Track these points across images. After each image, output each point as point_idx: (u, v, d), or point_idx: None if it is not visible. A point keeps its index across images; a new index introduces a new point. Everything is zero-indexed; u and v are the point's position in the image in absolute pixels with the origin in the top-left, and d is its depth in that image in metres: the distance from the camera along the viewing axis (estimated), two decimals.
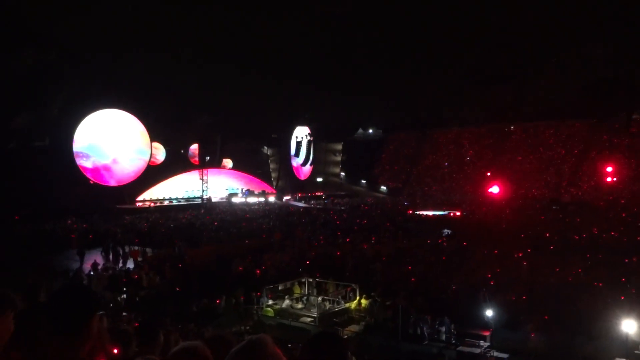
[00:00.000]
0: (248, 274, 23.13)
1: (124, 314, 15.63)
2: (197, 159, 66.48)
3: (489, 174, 67.84)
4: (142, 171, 60.92)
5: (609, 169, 60.63)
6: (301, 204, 62.55)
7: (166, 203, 58.25)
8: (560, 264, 22.32)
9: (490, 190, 63.21)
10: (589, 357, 13.94)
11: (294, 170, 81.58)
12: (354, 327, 17.65)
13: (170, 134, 65.02)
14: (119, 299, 20.30)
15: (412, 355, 15.40)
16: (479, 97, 75.53)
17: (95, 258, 26.14)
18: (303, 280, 21.06)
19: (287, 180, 78.38)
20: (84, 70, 55.83)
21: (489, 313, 16.00)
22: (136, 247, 29.20)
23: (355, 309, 19.05)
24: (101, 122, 57.05)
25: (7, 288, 2.50)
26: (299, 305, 19.62)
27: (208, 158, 65.57)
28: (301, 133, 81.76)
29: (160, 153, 65.09)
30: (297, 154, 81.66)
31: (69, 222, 39.34)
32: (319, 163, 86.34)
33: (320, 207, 58.52)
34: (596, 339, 14.33)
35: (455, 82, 77.76)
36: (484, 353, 14.64)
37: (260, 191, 68.69)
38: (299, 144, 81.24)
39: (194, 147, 68.35)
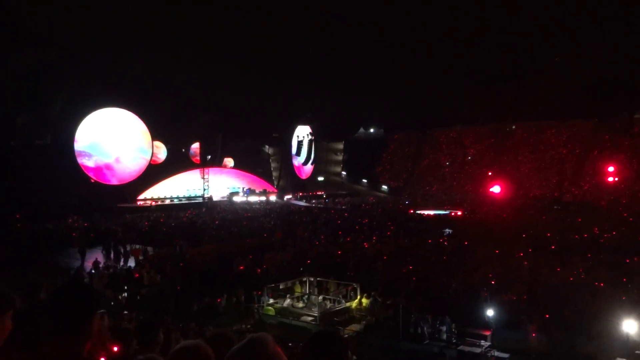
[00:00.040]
0: (249, 273, 23.12)
1: (125, 312, 15.64)
2: (198, 157, 66.53)
3: (490, 173, 67.78)
4: (143, 170, 61.00)
5: (611, 168, 60.50)
6: (302, 203, 62.56)
7: (167, 202, 58.31)
8: (561, 263, 22.28)
9: (491, 190, 63.15)
10: (590, 357, 13.93)
11: (295, 170, 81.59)
12: (354, 327, 17.64)
13: (172, 133, 65.10)
14: (120, 297, 20.32)
15: (412, 354, 15.39)
16: (480, 97, 75.45)
17: (96, 256, 26.17)
18: (304, 279, 21.06)
19: (289, 179, 78.42)
20: (85, 69, 55.89)
21: (490, 312, 15.98)
22: (137, 246, 29.23)
23: (356, 308, 19.04)
24: (103, 121, 57.14)
25: (6, 287, 2.50)
26: (300, 304, 19.62)
27: (209, 157, 65.60)
28: (302, 132, 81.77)
29: (161, 152, 65.17)
30: (298, 153, 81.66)
31: (70, 220, 39.40)
32: (320, 162, 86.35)
33: (322, 206, 58.54)
34: (597, 339, 14.32)
35: (456, 82, 77.72)
36: (484, 353, 14.63)
37: (261, 190, 68.73)
38: (300, 143, 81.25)
39: (195, 146, 68.40)
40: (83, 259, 26.13)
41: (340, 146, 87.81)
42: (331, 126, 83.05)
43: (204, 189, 60.56)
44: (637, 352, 13.34)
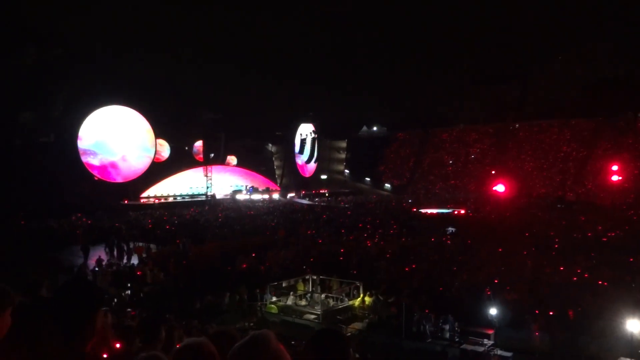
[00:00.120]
0: (252, 271, 23.14)
1: (128, 310, 15.67)
2: (201, 155, 66.62)
3: (493, 172, 67.64)
4: (147, 168, 61.15)
5: (615, 167, 60.32)
6: (305, 202, 62.57)
7: (170, 200, 58.40)
8: (564, 262, 22.23)
9: (495, 188, 63.03)
10: (594, 357, 13.90)
11: (298, 168, 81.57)
12: (357, 325, 17.65)
13: (175, 131, 65.19)
14: (123, 295, 20.36)
15: (415, 353, 15.39)
16: (483, 96, 75.32)
17: (99, 254, 26.23)
18: (307, 277, 21.08)
19: (292, 177, 78.40)
20: (88, 67, 56.01)
21: (493, 311, 15.98)
22: (140, 244, 29.27)
23: (359, 307, 19.06)
24: (107, 120, 57.26)
25: (6, 284, 2.51)
26: (303, 302, 19.65)
27: (212, 155, 65.66)
28: (305, 130, 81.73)
29: (165, 150, 65.27)
30: (301, 152, 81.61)
31: (74, 218, 39.48)
32: (323, 160, 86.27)
33: (324, 204, 58.54)
34: (600, 338, 14.29)
35: (459, 81, 77.60)
36: (487, 351, 14.62)
37: (264, 188, 68.77)
38: (303, 142, 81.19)
39: (199, 144, 68.47)
40: (86, 257, 26.17)
41: (343, 144, 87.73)
42: (334, 124, 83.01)
43: (207, 187, 60.63)
44: None
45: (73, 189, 48.22)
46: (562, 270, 21.04)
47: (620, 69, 67.64)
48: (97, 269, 23.27)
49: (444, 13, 67.71)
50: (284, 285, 20.48)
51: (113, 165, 58.47)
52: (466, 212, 47.10)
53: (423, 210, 48.36)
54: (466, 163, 76.61)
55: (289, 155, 79.90)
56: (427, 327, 15.79)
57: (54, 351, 2.38)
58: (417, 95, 78.07)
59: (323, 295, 19.35)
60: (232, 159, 73.23)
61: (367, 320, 17.92)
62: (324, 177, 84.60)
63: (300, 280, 21.09)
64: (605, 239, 28.44)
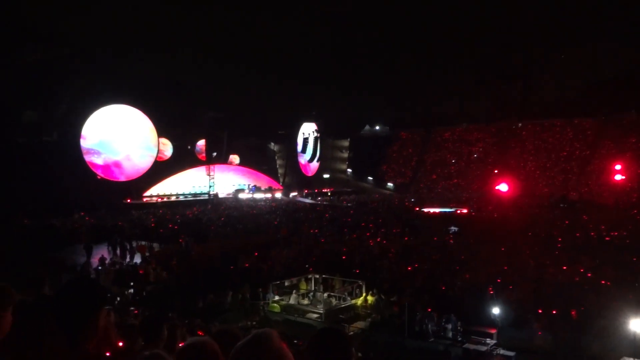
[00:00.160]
0: (254, 270, 23.15)
1: (131, 308, 15.70)
2: (204, 154, 66.67)
3: (496, 171, 67.58)
4: (150, 167, 61.24)
5: (618, 167, 60.20)
6: (308, 201, 62.57)
7: (173, 198, 58.47)
8: (567, 262, 22.21)
9: (498, 188, 62.98)
10: (596, 356, 13.87)
11: (301, 167, 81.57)
12: (360, 324, 17.66)
13: (178, 130, 65.24)
14: (126, 293, 20.39)
15: (417, 352, 15.38)
16: (487, 95, 75.23)
17: (102, 253, 26.26)
18: (309, 276, 21.08)
19: (294, 176, 78.42)
20: (91, 66, 56.07)
21: (496, 311, 15.96)
22: (143, 242, 29.30)
23: (362, 306, 19.06)
24: (111, 119, 57.32)
25: (7, 282, 2.51)
26: (305, 301, 19.66)
27: (215, 154, 65.72)
28: (308, 129, 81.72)
29: (168, 149, 65.35)
30: (304, 151, 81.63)
31: (76, 217, 39.54)
32: (326, 159, 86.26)
33: (327, 203, 58.52)
34: (603, 338, 14.25)
35: (462, 79, 77.51)
36: (490, 351, 14.60)
37: (266, 187, 68.79)
38: (305, 141, 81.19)
39: (201, 143, 68.53)
40: (89, 256, 26.22)
41: (346, 143, 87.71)
42: (337, 123, 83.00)
43: (210, 186, 60.70)
44: None
45: (76, 187, 48.30)
46: (565, 269, 21.01)
47: (623, 67, 67.50)
48: (99, 267, 23.31)
49: (446, 12, 67.63)
50: (286, 284, 20.49)
51: (117, 164, 58.57)
52: (469, 211, 47.06)
53: (425, 210, 48.32)
54: (469, 162, 76.57)
55: (291, 154, 79.92)
56: (429, 326, 15.78)
57: (57, 350, 2.39)
58: (419, 94, 78.00)
59: (325, 294, 19.36)
60: (235, 158, 73.29)
61: (369, 319, 17.93)
62: (326, 176, 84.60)
63: (303, 279, 21.10)
64: (608, 239, 28.39)
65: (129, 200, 52.65)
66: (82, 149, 55.06)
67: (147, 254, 26.94)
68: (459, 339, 15.46)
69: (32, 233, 31.01)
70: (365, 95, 77.91)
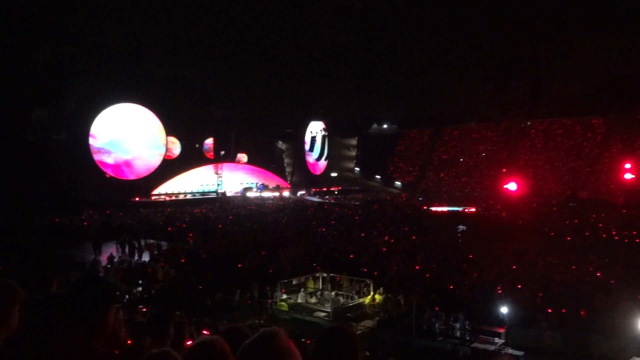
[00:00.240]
0: (262, 269, 23.20)
1: (140, 306, 15.78)
2: (212, 153, 66.86)
3: (505, 170, 67.29)
4: (158, 165, 61.56)
5: (628, 165, 59.76)
6: (315, 199, 62.62)
7: (181, 197, 58.71)
8: (576, 261, 22.10)
9: (506, 186, 62.70)
10: (606, 356, 13.81)
11: (309, 166, 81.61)
12: (367, 323, 17.64)
13: (186, 129, 65.45)
14: (134, 291, 20.48)
15: (425, 351, 15.35)
16: (496, 93, 74.81)
17: (111, 251, 26.41)
18: (317, 275, 21.08)
19: (302, 175, 78.47)
20: (100, 65, 56.27)
21: (504, 310, 15.90)
22: (152, 241, 29.42)
23: (369, 304, 19.04)
24: (120, 118, 57.66)
25: (14, 279, 2.54)
26: (313, 300, 19.67)
27: (223, 152, 65.89)
28: (316, 128, 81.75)
29: (176, 147, 65.60)
30: (311, 149, 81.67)
31: (86, 215, 39.79)
32: (334, 158, 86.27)
33: (335, 202, 58.55)
34: (613, 338, 14.17)
35: (471, 78, 77.12)
36: (498, 350, 14.55)
37: (274, 186, 68.89)
38: (313, 139, 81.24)
39: (209, 142, 68.71)
40: (99, 253, 26.37)
41: (354, 142, 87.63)
42: (344, 122, 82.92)
43: (218, 185, 60.87)
44: None
45: (85, 186, 48.63)
46: (574, 268, 20.91)
47: (634, 65, 66.90)
48: (108, 265, 23.43)
49: (455, 9, 67.32)
50: (294, 282, 20.51)
51: (127, 164, 58.93)
52: (477, 210, 46.90)
53: (433, 208, 48.22)
54: (477, 161, 76.31)
55: (299, 153, 79.97)
56: (437, 325, 15.74)
57: (66, 346, 2.40)
58: (427, 93, 77.70)
59: (333, 293, 19.36)
60: (243, 157, 73.43)
61: (377, 318, 17.90)
62: (334, 174, 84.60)
63: (311, 278, 21.11)
64: (617, 238, 28.21)
65: (137, 199, 52.94)
66: (93, 148, 55.46)
67: (155, 252, 27.05)
68: (467, 338, 15.41)
69: (42, 231, 31.23)
70: (373, 94, 77.65)
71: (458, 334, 15.60)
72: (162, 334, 3.95)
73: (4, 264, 18.12)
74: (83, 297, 2.42)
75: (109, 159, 57.10)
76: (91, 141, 55.33)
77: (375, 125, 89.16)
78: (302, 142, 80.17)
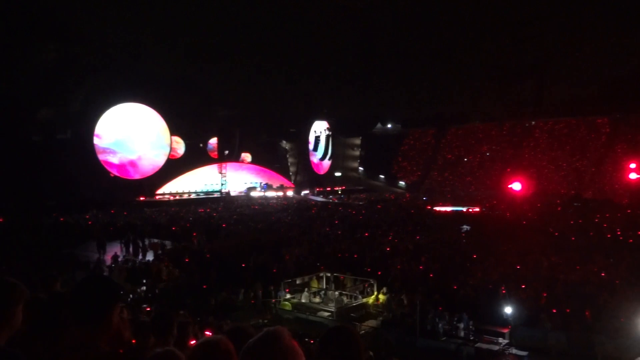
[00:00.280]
0: (266, 268, 23.22)
1: (144, 305, 15.81)
2: (216, 152, 66.94)
3: (510, 170, 67.21)
4: (162, 165, 61.73)
5: (632, 165, 59.59)
6: (319, 199, 62.64)
7: (185, 196, 58.82)
8: (581, 261, 22.05)
9: (511, 186, 62.61)
10: (610, 357, 13.76)
11: (313, 165, 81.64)
12: (371, 322, 17.64)
13: (190, 128, 65.55)
14: (138, 290, 20.53)
15: (429, 351, 15.34)
16: (500, 93, 74.67)
17: (115, 250, 26.46)
18: (321, 274, 21.09)
19: (306, 174, 78.48)
20: (105, 64, 56.43)
21: (508, 310, 15.87)
22: (156, 240, 29.47)
23: (373, 304, 19.04)
24: (125, 118, 57.84)
25: (18, 279, 2.55)
26: (317, 300, 19.68)
27: (227, 152, 65.97)
28: (320, 127, 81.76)
29: (180, 147, 65.74)
30: (315, 149, 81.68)
31: (90, 214, 39.91)
32: (338, 158, 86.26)
33: (339, 201, 58.56)
34: (617, 338, 14.13)
35: (475, 77, 76.97)
36: (502, 350, 14.53)
37: (278, 185, 68.94)
38: (317, 139, 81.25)
39: (214, 141, 68.80)
40: (104, 252, 26.43)
41: (358, 141, 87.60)
42: (348, 121, 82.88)
43: (222, 184, 60.95)
44: None
45: (89, 185, 48.79)
46: (578, 268, 20.86)
47: (638, 65, 66.63)
48: (112, 265, 23.48)
49: (459, 8, 67.18)
50: (298, 282, 20.53)
51: (132, 163, 59.12)
52: (481, 209, 46.84)
53: (437, 208, 48.18)
54: (481, 161, 76.18)
55: (303, 153, 79.99)
56: (441, 325, 15.73)
57: (72, 344, 2.42)
58: (431, 92, 77.58)
59: (337, 293, 19.36)
60: (247, 156, 73.51)
61: (381, 318, 17.90)
62: (338, 174, 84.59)
63: (314, 278, 21.12)
64: (622, 238, 28.12)
65: (142, 198, 53.05)
66: (98, 148, 55.66)
67: (159, 251, 27.09)
68: (471, 338, 15.39)
69: (46, 230, 31.33)
70: (377, 93, 77.56)
71: (462, 334, 15.58)
72: (165, 333, 3.96)
73: (8, 263, 18.20)
74: (88, 296, 2.43)
75: (114, 159, 57.29)
76: (97, 141, 55.51)
77: (379, 125, 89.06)
78: (306, 142, 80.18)
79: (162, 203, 52.06)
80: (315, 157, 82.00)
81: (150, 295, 20.10)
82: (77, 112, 55.41)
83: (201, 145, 69.44)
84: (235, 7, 61.59)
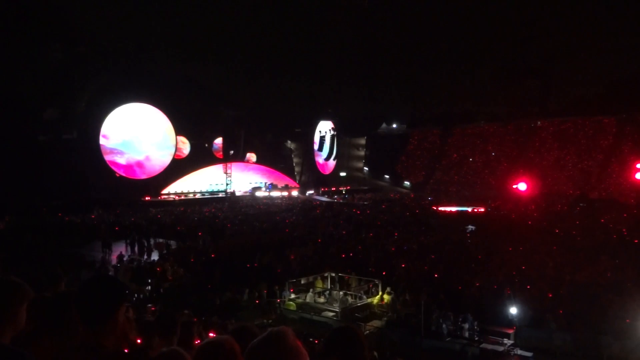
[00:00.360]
0: (271, 268, 23.23)
1: (149, 305, 15.84)
2: (221, 152, 67.05)
3: (515, 170, 67.02)
4: (168, 165, 61.89)
5: (639, 165, 59.31)
6: (324, 199, 62.65)
7: (190, 196, 58.94)
8: (586, 261, 21.96)
9: (516, 186, 62.43)
10: (616, 357, 13.70)
11: (318, 165, 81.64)
12: (376, 323, 17.63)
13: (195, 128, 65.66)
14: (144, 290, 20.57)
15: (434, 351, 15.32)
16: (506, 92, 74.49)
17: (120, 250, 26.54)
18: (325, 274, 21.08)
19: (311, 174, 78.48)
20: (110, 64, 56.63)
21: (513, 310, 15.82)
22: (161, 240, 29.54)
23: (378, 304, 19.01)
24: (131, 118, 57.97)
25: (22, 278, 2.57)
26: (321, 300, 19.68)
27: (232, 152, 66.07)
28: (325, 127, 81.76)
29: (186, 147, 65.88)
30: (320, 149, 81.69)
31: (96, 214, 40.03)
32: (343, 158, 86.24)
33: (343, 201, 58.55)
34: (623, 340, 14.06)
35: (481, 77, 76.83)
36: (507, 351, 14.49)
37: (283, 185, 68.99)
38: (322, 139, 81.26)
39: (219, 141, 68.91)
40: (109, 252, 26.52)
41: (363, 141, 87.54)
42: (353, 121, 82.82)
43: (227, 184, 61.05)
44: None
45: (95, 185, 48.98)
46: (584, 269, 20.77)
47: None
48: (118, 264, 23.55)
49: (465, 8, 67.06)
50: (302, 282, 20.52)
51: (139, 164, 59.30)
52: (486, 210, 46.74)
53: (442, 208, 48.10)
54: (486, 161, 75.98)
55: (308, 153, 80.00)
56: (445, 325, 15.70)
57: (77, 344, 2.43)
58: (437, 92, 77.49)
59: (342, 293, 19.35)
60: (252, 156, 73.59)
61: (385, 318, 17.88)
62: (343, 174, 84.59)
63: (319, 278, 21.11)
64: (628, 238, 27.99)
65: (147, 198, 53.18)
66: (105, 149, 55.87)
67: (164, 251, 27.16)
68: (476, 338, 15.35)
69: (52, 230, 31.45)
70: (382, 93, 77.58)
71: (467, 334, 15.55)
72: (170, 332, 3.97)
73: (14, 262, 18.27)
74: (94, 296, 2.44)
75: (121, 160, 57.48)
76: (104, 142, 55.71)
77: (384, 125, 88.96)
78: (311, 142, 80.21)
79: (167, 203, 52.18)
80: (320, 157, 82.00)
81: (155, 295, 20.14)
82: (82, 112, 55.59)
83: (206, 145, 69.55)
84: (240, 7, 61.68)
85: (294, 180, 76.06)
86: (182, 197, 57.72)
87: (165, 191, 58.19)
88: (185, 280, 21.90)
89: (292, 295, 19.60)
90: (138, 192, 53.18)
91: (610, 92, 66.45)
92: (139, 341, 3.61)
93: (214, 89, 65.88)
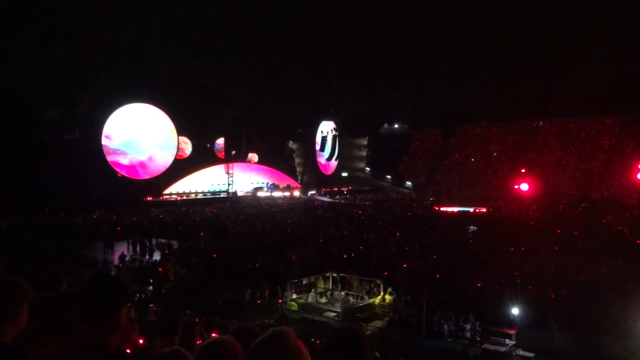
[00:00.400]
0: (273, 268, 23.22)
1: (151, 305, 15.84)
2: (223, 153, 67.12)
3: (522, 170, 66.91)
4: (170, 165, 61.98)
5: None
6: (326, 199, 62.65)
7: (192, 196, 58.99)
8: (588, 262, 21.92)
9: (518, 187, 62.35)
10: (618, 358, 13.67)
11: (320, 166, 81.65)
12: (377, 323, 17.60)
13: (197, 128, 65.75)
14: (146, 290, 20.57)
15: (435, 352, 15.29)
16: (508, 93, 74.47)
17: (122, 250, 26.56)
18: (327, 274, 21.07)
19: (312, 175, 78.51)
20: (112, 65, 56.72)
21: (515, 311, 15.79)
22: (163, 240, 29.56)
23: (379, 305, 18.99)
24: (133, 118, 58.05)
25: (24, 278, 2.57)
26: (323, 300, 19.66)
27: (234, 152, 66.12)
28: (326, 128, 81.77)
29: (188, 147, 65.97)
30: (322, 149, 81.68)
31: (98, 214, 40.08)
32: (344, 158, 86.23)
33: (345, 202, 58.54)
34: (625, 341, 14.03)
35: (483, 77, 76.81)
36: (509, 351, 14.46)
37: (285, 186, 69.01)
38: (324, 139, 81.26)
39: (221, 142, 68.97)
40: (111, 252, 26.54)
41: (365, 142, 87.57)
42: (355, 122, 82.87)
43: (229, 184, 61.08)
44: None
45: (97, 185, 49.05)
46: (586, 269, 20.73)
47: None
48: (119, 264, 23.57)
49: (466, 9, 67.07)
50: (304, 282, 20.50)
51: (142, 164, 59.39)
52: (488, 210, 46.69)
53: (444, 209, 48.07)
54: (488, 161, 75.92)
55: (310, 153, 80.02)
56: (447, 326, 15.67)
57: (80, 344, 2.43)
58: (439, 93, 77.50)
59: (343, 293, 19.34)
60: (254, 156, 73.64)
61: (387, 318, 17.86)
62: (344, 174, 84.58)
63: (321, 278, 21.09)
64: (630, 238, 27.94)
65: (149, 198, 53.24)
66: (108, 149, 55.99)
67: (166, 251, 27.17)
68: (478, 339, 15.32)
69: (54, 230, 31.48)
70: (384, 94, 77.67)
71: (468, 335, 15.52)
72: (172, 332, 3.97)
73: (15, 262, 18.29)
74: (96, 296, 2.45)
75: (124, 160, 57.59)
76: (107, 142, 55.82)
77: (386, 125, 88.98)
78: (313, 142, 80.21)
79: (169, 203, 52.24)
80: (322, 158, 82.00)
81: (156, 295, 20.15)
82: (85, 113, 55.69)
83: (208, 145, 69.62)
84: (243, 8, 61.74)
85: (296, 180, 76.08)
86: (184, 197, 57.78)
87: (167, 191, 58.25)
88: (187, 281, 21.89)
89: (294, 296, 19.58)
90: (140, 192, 53.26)
91: (613, 93, 66.38)
92: (141, 341, 3.62)
93: (216, 89, 66.03)
